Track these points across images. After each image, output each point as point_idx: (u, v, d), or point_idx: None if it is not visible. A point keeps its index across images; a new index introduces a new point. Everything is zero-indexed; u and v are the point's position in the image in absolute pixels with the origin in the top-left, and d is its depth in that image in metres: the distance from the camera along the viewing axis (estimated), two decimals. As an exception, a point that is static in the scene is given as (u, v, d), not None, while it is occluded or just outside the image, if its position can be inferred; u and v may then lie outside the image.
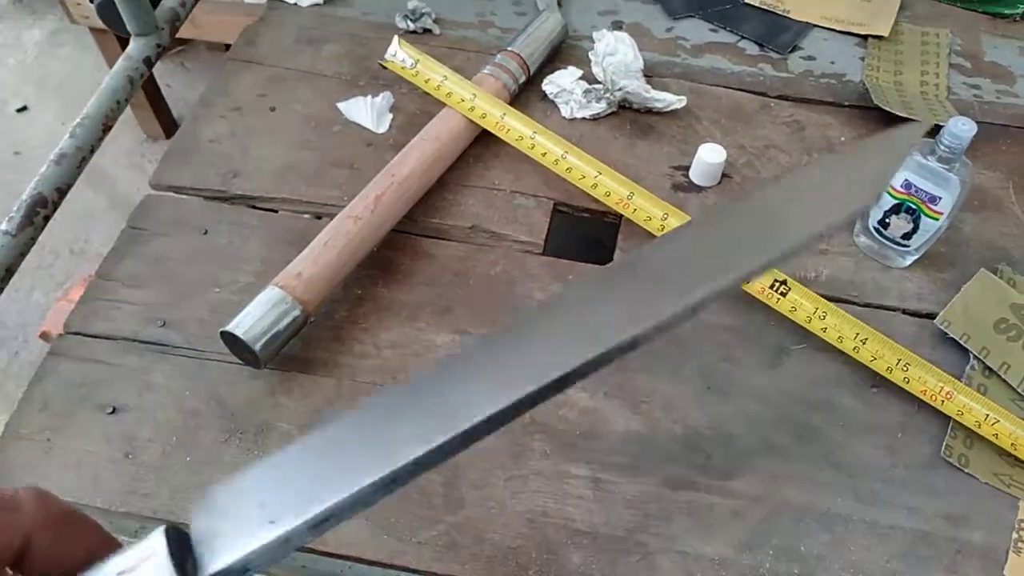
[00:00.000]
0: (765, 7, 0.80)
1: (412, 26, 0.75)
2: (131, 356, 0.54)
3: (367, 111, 0.68)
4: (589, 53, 0.71)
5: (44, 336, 1.11)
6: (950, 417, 0.52)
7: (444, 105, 0.65)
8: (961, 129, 0.51)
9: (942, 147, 0.52)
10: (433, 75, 0.66)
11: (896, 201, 0.56)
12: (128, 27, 0.63)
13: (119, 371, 0.53)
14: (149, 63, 0.64)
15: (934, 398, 0.52)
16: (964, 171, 0.54)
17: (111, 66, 1.45)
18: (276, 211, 0.63)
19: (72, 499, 0.48)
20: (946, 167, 0.53)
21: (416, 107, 0.69)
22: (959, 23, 0.79)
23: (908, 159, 0.55)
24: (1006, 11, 0.80)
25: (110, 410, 0.52)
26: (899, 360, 0.53)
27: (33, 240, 0.54)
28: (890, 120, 0.68)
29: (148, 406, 0.52)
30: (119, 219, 1.47)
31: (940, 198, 0.54)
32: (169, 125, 1.53)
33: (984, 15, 0.80)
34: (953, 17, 0.80)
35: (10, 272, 0.52)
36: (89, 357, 0.54)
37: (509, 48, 0.69)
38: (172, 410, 0.52)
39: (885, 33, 0.77)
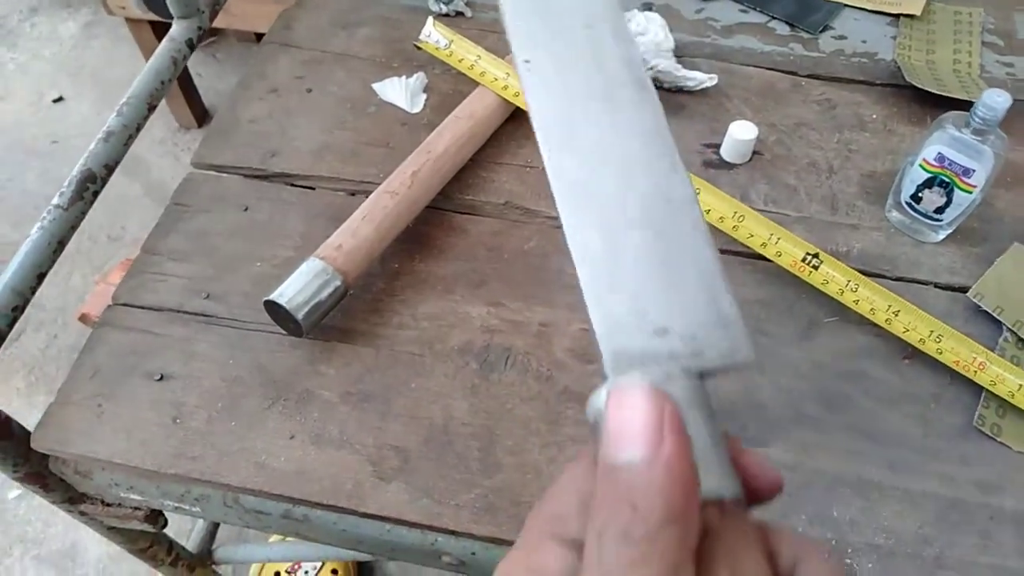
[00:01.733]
0: (795, -13, 0.80)
1: (444, 8, 0.76)
2: (177, 326, 0.56)
3: (401, 91, 0.69)
4: (620, 32, 0.71)
5: (83, 318, 1.14)
6: (983, 387, 0.52)
7: (477, 85, 0.66)
8: (996, 100, 0.51)
9: (976, 119, 0.52)
10: (467, 55, 0.67)
11: (929, 175, 0.57)
12: (172, 10, 0.65)
13: (166, 341, 0.55)
14: (191, 45, 0.66)
15: (967, 369, 0.52)
16: (999, 143, 0.54)
17: (146, 56, 1.47)
18: (314, 188, 0.65)
19: (122, 461, 0.50)
20: (980, 139, 0.53)
21: (449, 87, 0.70)
22: (992, 2, 0.79)
23: (941, 132, 0.55)
24: (1040, -11, 0.79)
25: (158, 377, 0.53)
26: (932, 332, 0.53)
27: (83, 214, 0.56)
28: (922, 97, 0.68)
29: (194, 374, 0.54)
30: (154, 205, 1.51)
31: (974, 171, 0.54)
32: (200, 114, 1.56)
33: (1018, -7, 0.80)
34: (986, -5, 0.80)
35: (62, 244, 0.54)
36: (137, 327, 0.56)
37: (541, 29, 0.70)
38: (217, 378, 0.53)
39: (917, 12, 0.77)
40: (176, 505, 0.56)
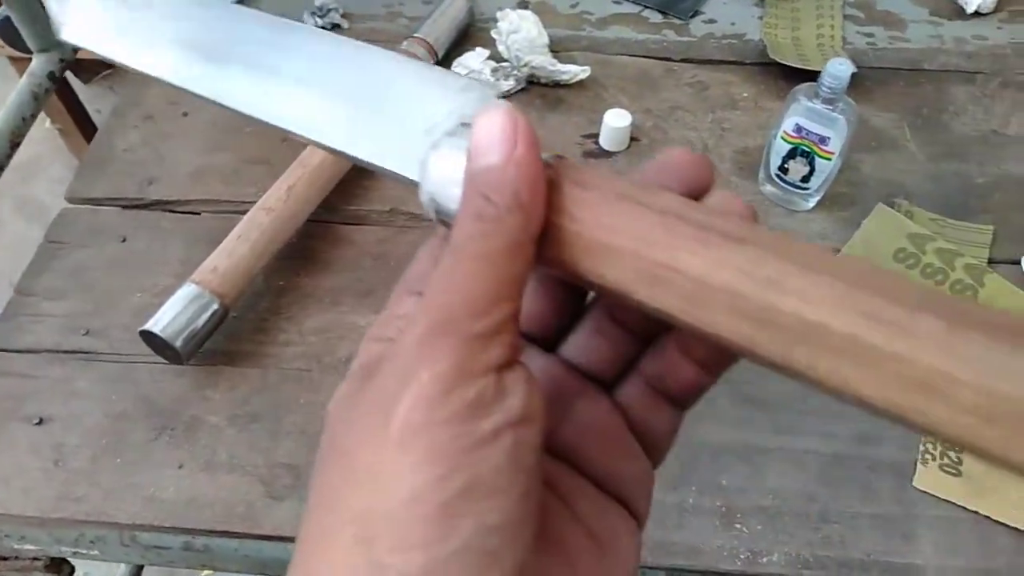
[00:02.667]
0: (665, -24, 0.82)
1: (320, 23, 0.76)
2: (55, 367, 0.54)
3: (279, 108, 0.68)
4: (492, 32, 0.72)
5: (-12, 370, 1.09)
6: (856, 345, 0.54)
7: (354, 95, 0.66)
8: (839, 69, 0.54)
9: (824, 88, 0.55)
10: (339, 66, 0.67)
11: (791, 146, 0.59)
12: (28, 44, 0.63)
13: (44, 383, 0.54)
14: (53, 78, 0.64)
15: (840, 329, 0.54)
16: (848, 110, 0.56)
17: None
18: (198, 213, 0.64)
19: (3, 511, 0.49)
20: (830, 108, 0.56)
21: (328, 100, 0.70)
22: (851, -24, 0.82)
23: (796, 104, 0.57)
24: (894, -39, 0.83)
25: (37, 421, 0.52)
26: (805, 296, 0.55)
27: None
28: (789, 73, 0.71)
29: (75, 413, 0.52)
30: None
31: (829, 138, 0.57)
32: (102, 150, 1.51)
33: (875, -33, 0.83)
34: (845, -29, 0.83)
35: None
36: (13, 372, 0.54)
37: (416, 35, 0.71)
38: (100, 415, 0.52)
39: (781, -9, 0.80)
40: (73, 550, 0.54)
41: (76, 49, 0.68)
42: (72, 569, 0.61)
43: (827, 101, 0.55)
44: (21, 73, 1.36)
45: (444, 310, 0.17)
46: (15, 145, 0.60)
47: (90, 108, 1.50)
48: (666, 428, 0.22)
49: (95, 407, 0.52)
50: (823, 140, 0.57)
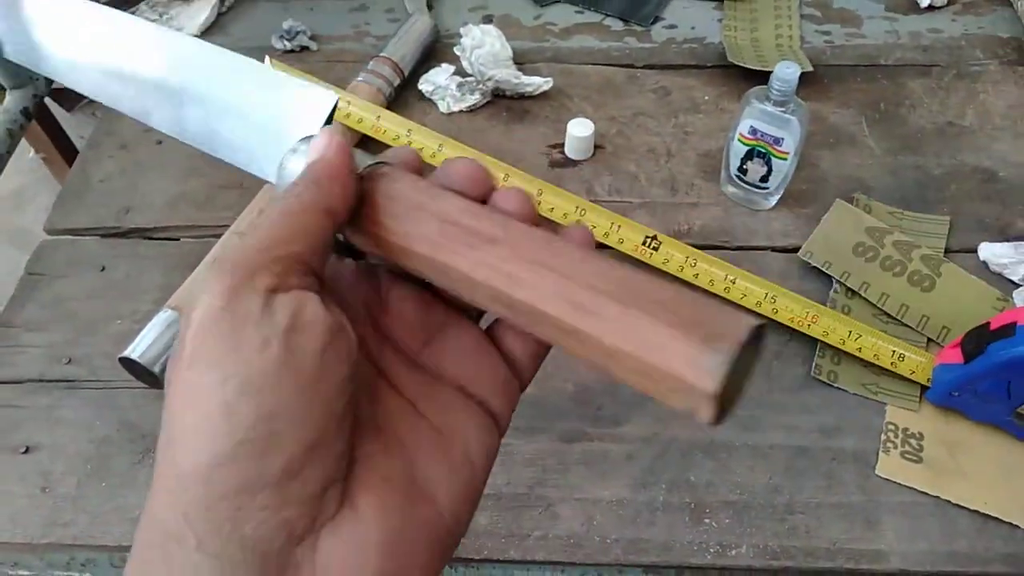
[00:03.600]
0: (626, -16, 0.83)
1: (289, 45, 0.78)
2: (39, 396, 0.56)
3: (251, 132, 0.70)
4: (455, 49, 0.74)
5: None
6: (817, 339, 0.56)
7: (323, 116, 0.68)
8: (787, 72, 0.55)
9: (774, 91, 0.56)
10: (307, 89, 0.68)
11: (747, 147, 0.60)
12: (1, 81, 0.65)
13: (28, 412, 0.55)
14: (27, 114, 0.66)
15: (801, 324, 0.56)
16: (800, 111, 0.58)
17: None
18: (175, 239, 0.65)
19: (-7, 539, 0.50)
20: (782, 109, 0.57)
21: (299, 122, 0.72)
22: (808, -24, 0.84)
23: (749, 107, 0.59)
24: (850, -41, 0.84)
25: (23, 450, 0.53)
26: (767, 294, 0.56)
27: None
28: (749, 75, 0.72)
29: (60, 441, 0.54)
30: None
31: (783, 139, 0.58)
32: (88, 176, 1.53)
33: (831, -35, 0.85)
34: (802, -29, 0.85)
35: (-93, 332, 0.54)
36: (-2, 403, 0.56)
37: (381, 54, 0.72)
38: (84, 441, 0.53)
39: (739, -6, 0.81)
40: (66, 573, 0.56)
41: (51, 83, 0.70)
42: (67, 592, 0.62)
43: (778, 103, 0.57)
44: None
45: (232, 248, 0.24)
46: (-8, 181, 0.62)
47: (74, 136, 1.51)
48: (525, 353, 0.27)
49: (79, 433, 0.54)
50: (777, 141, 0.58)
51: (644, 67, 0.76)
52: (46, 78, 0.69)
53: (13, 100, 0.65)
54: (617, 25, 0.80)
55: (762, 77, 0.70)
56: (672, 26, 0.80)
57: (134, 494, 0.51)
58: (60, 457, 0.53)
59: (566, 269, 0.22)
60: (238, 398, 0.20)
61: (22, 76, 0.66)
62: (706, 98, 0.73)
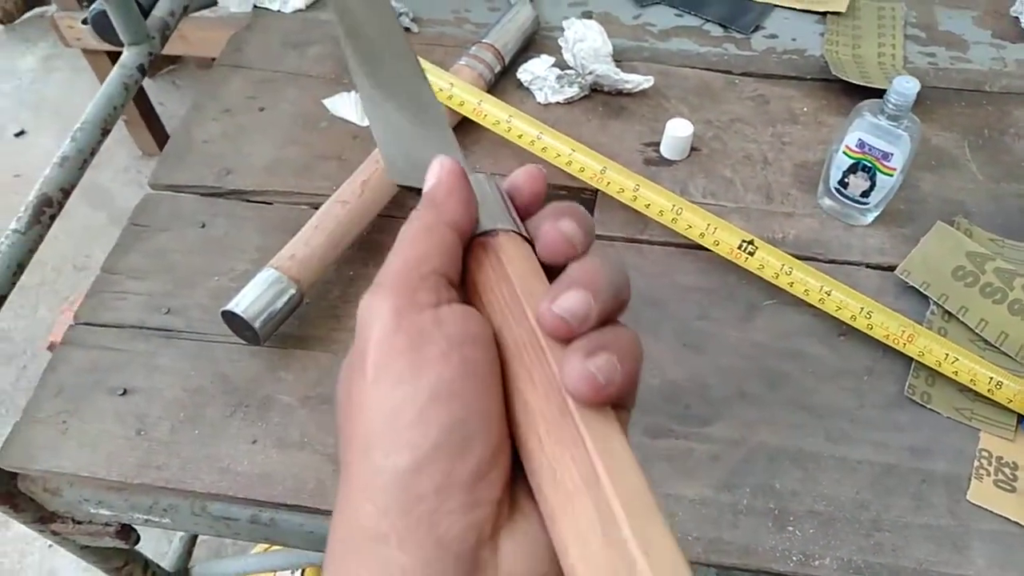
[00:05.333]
0: (728, -9, 0.83)
1: (391, 25, 0.79)
2: (138, 342, 0.57)
3: (352, 106, 0.71)
4: (559, 40, 0.74)
5: (52, 347, 1.14)
6: (912, 358, 0.55)
7: (424, 96, 0.69)
8: (905, 87, 0.55)
9: (890, 105, 0.56)
10: (412, 68, 0.69)
11: (852, 160, 0.60)
12: (121, 37, 0.67)
13: (128, 356, 0.57)
14: (143, 70, 0.68)
15: (897, 341, 0.55)
16: (913, 128, 0.57)
17: (105, 85, 1.47)
18: (269, 203, 0.66)
19: (88, 474, 0.51)
20: (895, 124, 0.57)
21: (398, 100, 0.73)
22: (914, -4, 0.83)
23: (860, 119, 0.58)
24: (958, -17, 0.83)
25: (121, 392, 0.55)
26: (863, 308, 0.56)
27: (41, 238, 0.57)
28: (850, 89, 0.72)
29: (156, 386, 0.55)
30: (119, 233, 1.51)
31: (892, 155, 0.58)
32: (163, 141, 1.57)
33: (938, -12, 0.84)
34: (908, -9, 0.84)
35: (21, 268, 0.55)
36: (99, 345, 0.57)
37: (484, 40, 0.73)
38: (179, 389, 0.55)
39: (843, 9, 0.81)
40: (145, 517, 0.57)
41: (164, 42, 0.72)
42: (138, 537, 0.64)
43: (892, 118, 0.56)
44: (94, 66, 1.42)
45: (384, 273, 0.24)
46: (105, 132, 0.64)
47: (154, 101, 1.56)
48: None
49: (175, 381, 0.55)
50: (886, 156, 0.58)
51: (742, 74, 0.76)
52: (161, 36, 0.71)
53: (131, 56, 0.67)
54: (716, 31, 0.80)
55: (864, 93, 0.70)
56: (772, 36, 0.79)
57: (225, 444, 0.52)
58: (156, 402, 0.54)
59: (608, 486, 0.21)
60: (431, 407, 0.22)
61: (140, 34, 0.68)
62: (805, 109, 0.72)
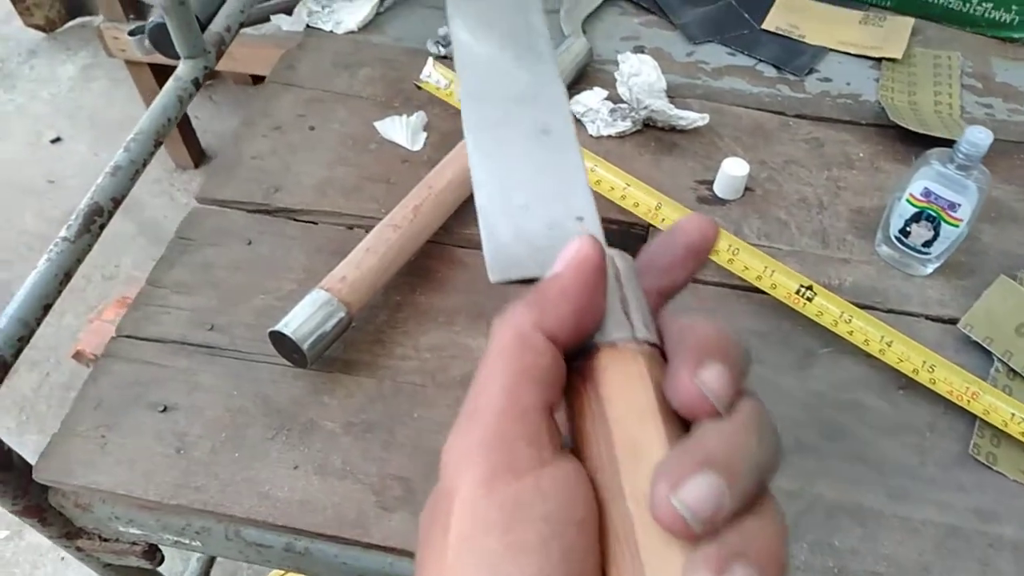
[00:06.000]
0: (781, 32, 0.83)
1: (443, 51, 0.79)
2: (180, 358, 0.56)
3: (402, 129, 0.71)
4: (615, 74, 0.74)
5: (77, 356, 1.13)
6: (977, 416, 0.53)
7: (477, 123, 0.68)
8: (978, 137, 0.53)
9: (960, 155, 0.55)
10: (467, 94, 0.69)
11: (916, 209, 0.58)
12: (178, 50, 0.67)
13: (169, 372, 0.55)
14: (197, 84, 0.68)
15: (960, 398, 0.53)
16: (982, 179, 0.56)
17: (144, 97, 1.49)
18: (316, 223, 0.66)
19: (125, 492, 0.50)
20: (964, 175, 0.55)
21: (448, 126, 0.72)
22: (969, 47, 0.82)
23: (927, 168, 0.57)
24: (1015, 35, 0.82)
25: (161, 408, 0.54)
26: (925, 362, 0.54)
27: (90, 247, 0.56)
28: (906, 136, 0.71)
29: (198, 405, 0.54)
30: (148, 245, 1.51)
31: (960, 205, 0.56)
32: (197, 155, 1.58)
33: (993, 39, 0.83)
34: (963, 40, 0.83)
35: (68, 277, 0.55)
36: (140, 359, 0.56)
37: (538, 70, 0.72)
38: (221, 408, 0.54)
39: (898, 56, 0.80)
40: (176, 539, 0.56)
41: (219, 57, 0.72)
42: (163, 557, 0.62)
43: (961, 167, 0.55)
44: (135, 76, 1.43)
45: (475, 409, 0.20)
46: (158, 144, 0.63)
47: (190, 114, 1.57)
48: None
49: (216, 400, 0.54)
50: (953, 206, 0.56)
51: (796, 116, 0.75)
52: (216, 51, 0.71)
53: (186, 69, 0.67)
54: (770, 71, 0.79)
55: (921, 142, 0.68)
56: (826, 79, 0.79)
57: (266, 469, 0.51)
58: (197, 421, 0.53)
59: None
60: (513, 567, 0.18)
61: (197, 48, 0.68)
62: (860, 155, 0.71)
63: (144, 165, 0.62)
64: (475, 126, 0.26)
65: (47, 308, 0.53)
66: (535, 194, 0.24)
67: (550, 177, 0.24)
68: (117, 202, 0.59)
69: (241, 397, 0.54)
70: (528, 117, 0.26)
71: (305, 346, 0.52)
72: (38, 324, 0.53)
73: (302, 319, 0.52)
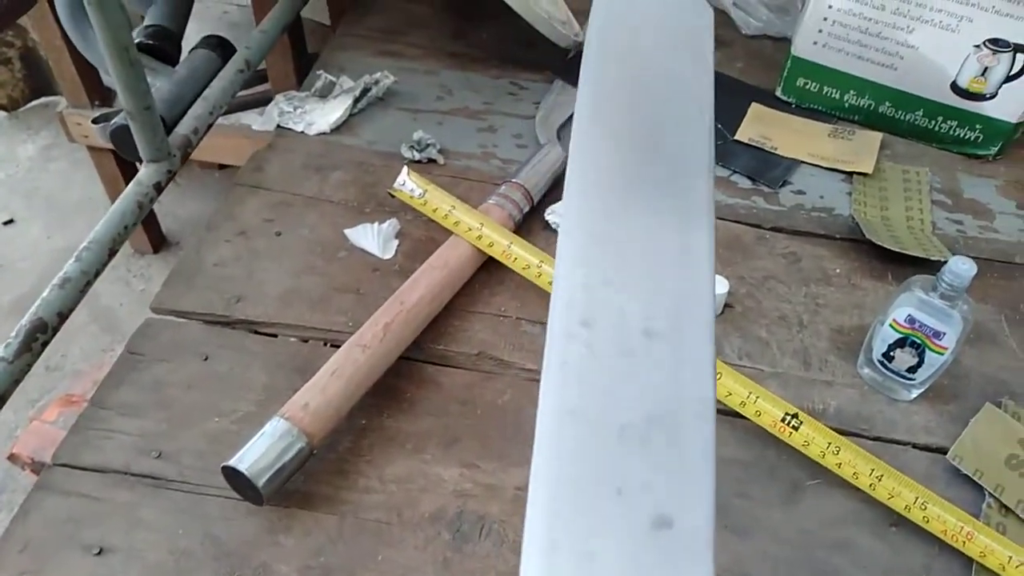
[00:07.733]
0: (754, 143, 0.83)
1: (417, 156, 0.77)
2: (121, 490, 0.51)
3: (373, 237, 0.68)
4: (592, 186, 0.73)
5: (12, 458, 1.05)
6: (973, 559, 0.50)
7: (449, 232, 0.66)
8: (962, 268, 0.53)
9: (944, 285, 0.54)
10: (442, 204, 0.67)
11: (900, 335, 0.57)
12: (141, 153, 0.64)
13: (108, 507, 0.51)
14: (159, 188, 0.65)
15: (955, 538, 0.51)
16: (966, 308, 0.55)
17: (104, 182, 1.44)
18: (278, 336, 0.62)
19: (48, 653, 0.44)
20: (948, 304, 0.54)
21: (421, 234, 0.70)
22: (937, 162, 0.84)
23: (910, 295, 0.56)
24: (980, 152, 0.84)
25: (96, 551, 0.48)
26: (917, 498, 0.52)
27: (29, 366, 0.52)
28: (882, 252, 0.70)
29: (137, 546, 0.49)
30: (100, 333, 1.45)
31: (944, 333, 0.55)
32: (158, 240, 1.53)
33: (959, 155, 0.85)
34: (931, 156, 0.84)
35: (3, 400, 0.50)
36: (76, 491, 0.51)
37: (514, 179, 0.71)
38: (164, 551, 0.49)
39: (869, 170, 0.81)
40: None
41: (184, 161, 0.69)
42: None
43: (945, 297, 0.54)
44: (96, 161, 1.40)
45: None
46: (113, 252, 0.60)
47: (157, 208, 1.53)
48: None
49: (159, 541, 0.49)
50: (938, 335, 0.55)
51: (772, 229, 0.74)
52: (182, 155, 0.68)
53: (148, 173, 0.64)
54: (744, 182, 0.80)
55: (897, 257, 0.68)
56: (800, 191, 0.79)
57: (211, 623, 0.46)
58: (135, 566, 0.48)
59: None
60: None
61: (161, 151, 0.65)
62: (837, 271, 0.71)
63: (96, 276, 0.59)
64: None
65: (-25, 438, 0.48)
66: None
67: None
68: (63, 317, 0.55)
69: (187, 537, 0.49)
70: None
71: (260, 483, 0.47)
72: (-37, 456, 0.48)
73: (258, 452, 0.48)
